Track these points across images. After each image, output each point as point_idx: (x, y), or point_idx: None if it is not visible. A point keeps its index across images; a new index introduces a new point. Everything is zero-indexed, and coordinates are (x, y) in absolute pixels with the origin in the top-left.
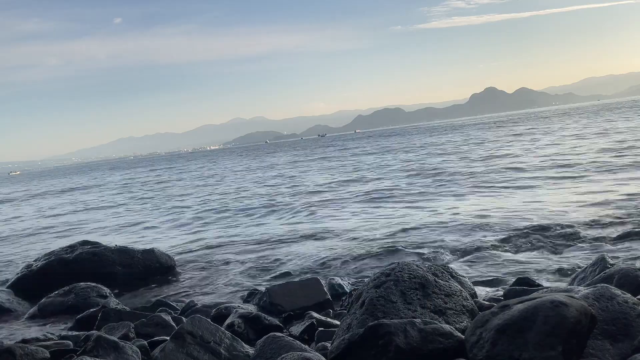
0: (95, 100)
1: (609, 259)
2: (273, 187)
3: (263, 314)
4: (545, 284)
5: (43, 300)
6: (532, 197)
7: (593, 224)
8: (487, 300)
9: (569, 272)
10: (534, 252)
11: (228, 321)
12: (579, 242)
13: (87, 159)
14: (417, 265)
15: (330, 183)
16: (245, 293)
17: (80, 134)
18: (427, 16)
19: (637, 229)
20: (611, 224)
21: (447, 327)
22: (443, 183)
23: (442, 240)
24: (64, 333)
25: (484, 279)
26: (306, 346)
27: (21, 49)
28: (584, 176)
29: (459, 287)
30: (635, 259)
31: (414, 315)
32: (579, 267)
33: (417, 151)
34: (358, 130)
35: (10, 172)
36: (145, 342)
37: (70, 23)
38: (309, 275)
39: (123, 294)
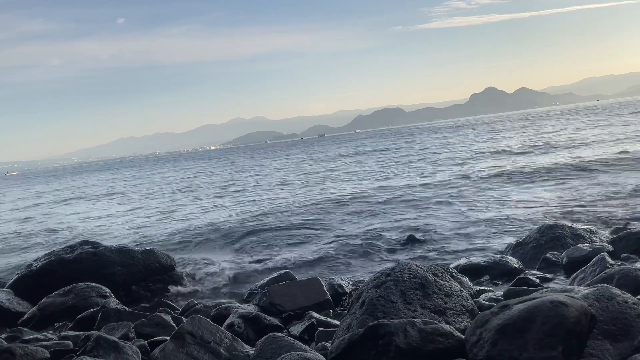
0: (96, 100)
1: (609, 259)
2: None
3: (263, 314)
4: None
5: (43, 300)
6: None
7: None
8: (487, 300)
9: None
10: None
11: (228, 321)
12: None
13: (88, 159)
14: (417, 266)
15: None
16: (246, 293)
17: (80, 134)
18: (427, 16)
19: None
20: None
21: (447, 327)
22: None
23: None
24: (64, 333)
25: None
26: (306, 346)
27: (24, 49)
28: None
29: (459, 287)
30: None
31: (414, 316)
32: None
33: None
34: (358, 130)
35: (8, 172)
36: (145, 342)
37: (74, 23)
38: (309, 274)
39: (123, 293)
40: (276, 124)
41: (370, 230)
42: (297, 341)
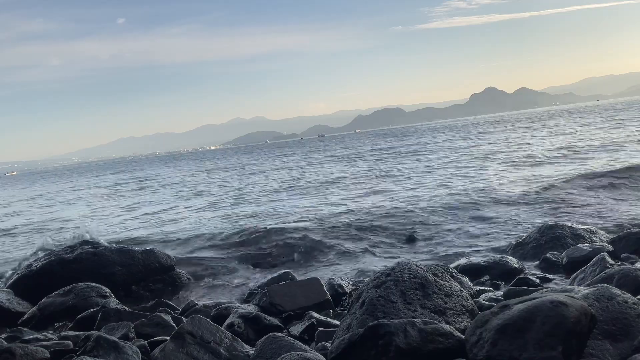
0: (96, 100)
1: (609, 259)
2: None
3: (263, 314)
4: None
5: (43, 300)
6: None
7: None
8: (487, 300)
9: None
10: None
11: (228, 321)
12: None
13: (88, 159)
14: (417, 265)
15: None
16: (246, 293)
17: (80, 134)
18: (428, 16)
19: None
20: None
21: (447, 327)
22: None
23: None
24: (64, 333)
25: None
26: (306, 346)
27: (24, 49)
28: None
29: (459, 287)
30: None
31: (414, 316)
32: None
33: None
34: (358, 130)
35: (7, 172)
36: (145, 342)
37: (74, 23)
38: (309, 274)
39: (123, 293)
40: (276, 124)
41: (370, 229)
42: (297, 341)
